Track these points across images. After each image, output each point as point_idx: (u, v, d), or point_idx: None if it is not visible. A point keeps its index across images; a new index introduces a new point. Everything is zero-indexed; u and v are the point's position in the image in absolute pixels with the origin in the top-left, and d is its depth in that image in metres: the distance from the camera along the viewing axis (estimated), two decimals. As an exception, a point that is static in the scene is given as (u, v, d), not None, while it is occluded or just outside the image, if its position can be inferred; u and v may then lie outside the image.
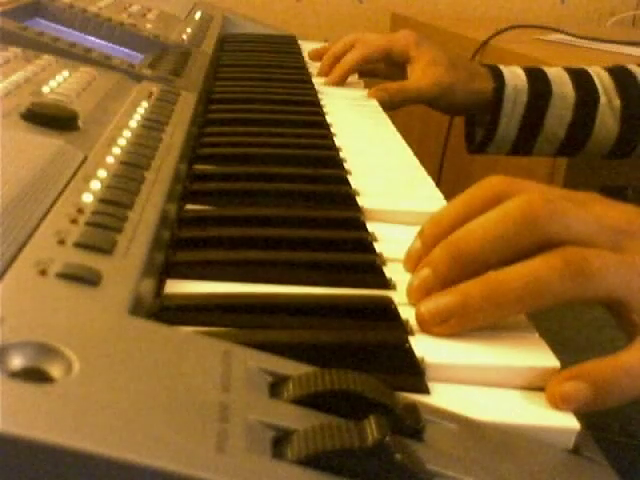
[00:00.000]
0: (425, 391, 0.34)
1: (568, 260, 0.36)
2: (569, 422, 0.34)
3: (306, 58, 1.05)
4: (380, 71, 1.03)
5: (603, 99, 0.94)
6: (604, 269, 0.37)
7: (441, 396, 0.34)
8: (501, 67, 0.96)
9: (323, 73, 0.98)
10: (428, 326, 0.38)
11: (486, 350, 0.37)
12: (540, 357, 0.37)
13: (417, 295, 0.40)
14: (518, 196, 0.39)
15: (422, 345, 0.36)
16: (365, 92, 0.91)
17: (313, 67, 1.00)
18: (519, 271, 0.37)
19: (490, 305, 0.37)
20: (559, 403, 0.34)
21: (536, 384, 0.35)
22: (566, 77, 0.96)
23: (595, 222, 0.39)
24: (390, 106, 0.90)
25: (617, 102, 0.94)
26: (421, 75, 0.93)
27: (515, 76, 0.95)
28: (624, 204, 0.41)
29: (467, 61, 0.99)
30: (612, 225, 0.39)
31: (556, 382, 0.35)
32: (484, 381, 0.35)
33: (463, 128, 1.04)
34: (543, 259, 0.37)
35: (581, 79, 0.96)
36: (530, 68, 0.97)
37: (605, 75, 0.96)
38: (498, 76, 0.95)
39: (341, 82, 0.95)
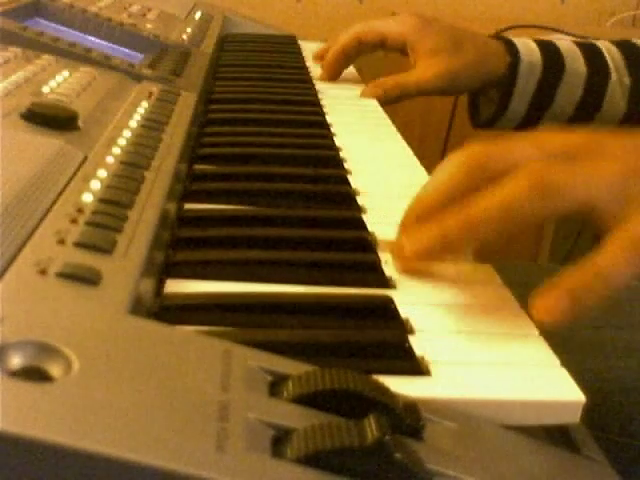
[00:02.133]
0: (426, 372, 0.34)
1: (534, 178, 0.38)
2: (574, 395, 0.34)
3: (307, 59, 1.05)
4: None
5: (614, 76, 0.90)
6: (570, 181, 0.38)
7: (442, 376, 0.34)
8: (515, 40, 0.91)
9: (315, 60, 0.96)
10: (412, 255, 0.40)
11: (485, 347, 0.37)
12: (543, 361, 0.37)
13: (399, 260, 0.43)
14: (462, 150, 0.42)
15: (422, 344, 0.36)
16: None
17: (313, 67, 1.00)
18: (489, 197, 0.39)
19: (466, 232, 0.39)
20: (544, 316, 0.36)
21: None
22: (578, 52, 0.91)
23: (542, 147, 0.41)
24: (386, 102, 0.87)
25: (627, 80, 0.91)
26: (421, 67, 0.88)
27: (529, 51, 0.90)
28: (578, 131, 0.44)
29: (476, 38, 0.91)
30: (560, 146, 0.41)
31: (538, 297, 0.37)
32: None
33: (464, 128, 1.03)
34: (510, 181, 0.39)
35: (592, 54, 0.91)
36: (542, 41, 0.92)
37: (615, 51, 0.92)
38: (513, 51, 0.89)
39: (333, 69, 0.92)
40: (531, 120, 0.93)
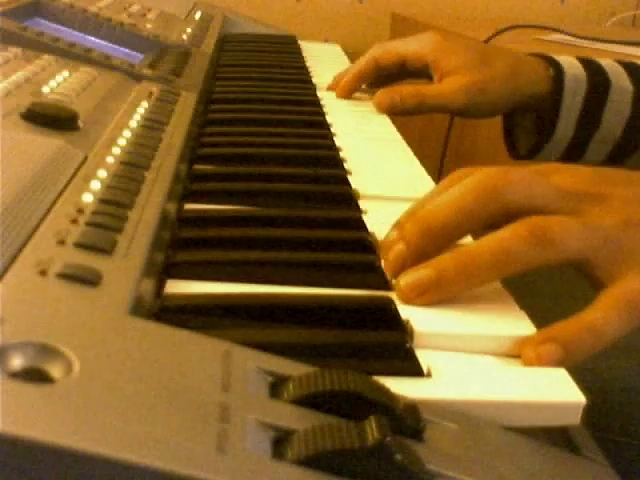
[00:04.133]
0: (426, 373, 0.34)
1: (532, 228, 0.40)
2: (575, 397, 0.34)
3: (307, 59, 1.05)
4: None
5: None
6: (566, 234, 0.40)
7: (442, 377, 0.34)
8: (555, 56, 0.83)
9: (332, 87, 0.88)
10: (408, 299, 0.41)
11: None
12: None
13: (393, 268, 0.43)
14: (479, 172, 0.43)
15: (422, 345, 0.36)
16: (365, 92, 0.91)
17: (314, 67, 1.00)
18: (488, 242, 0.40)
19: (463, 276, 0.40)
20: (535, 362, 0.37)
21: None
22: (619, 68, 0.83)
23: (554, 189, 0.42)
24: (402, 112, 0.80)
25: None
26: (445, 82, 0.80)
27: (572, 64, 0.82)
28: (583, 168, 0.44)
29: (507, 54, 0.83)
30: (570, 190, 0.42)
31: (530, 346, 0.37)
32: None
33: (464, 128, 1.02)
34: (509, 229, 0.40)
35: (635, 71, 0.83)
36: (581, 57, 0.84)
37: None
38: (554, 64, 0.81)
39: (349, 93, 0.85)
40: (576, 148, 0.84)
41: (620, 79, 0.82)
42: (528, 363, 0.37)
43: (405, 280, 0.41)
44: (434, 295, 0.40)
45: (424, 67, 0.82)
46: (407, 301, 0.40)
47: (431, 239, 0.42)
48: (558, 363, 0.37)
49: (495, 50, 0.83)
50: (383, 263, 0.43)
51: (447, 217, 0.42)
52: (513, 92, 0.80)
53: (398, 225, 0.45)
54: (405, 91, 0.80)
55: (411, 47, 0.82)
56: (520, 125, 0.87)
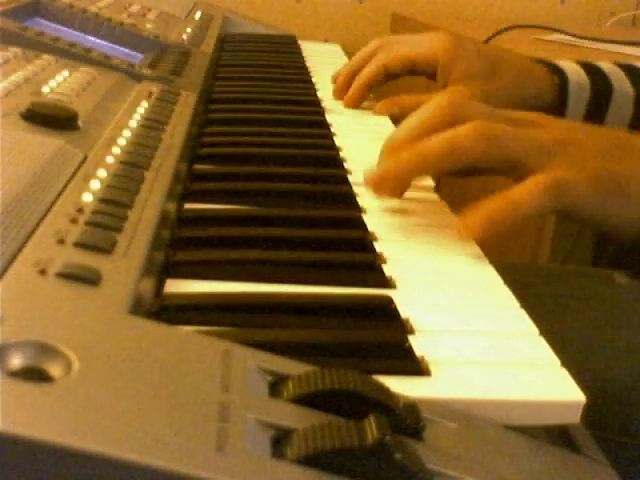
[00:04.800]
0: (426, 372, 0.34)
1: (476, 127, 0.48)
2: (575, 395, 0.34)
3: (307, 59, 1.05)
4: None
5: None
6: (506, 136, 0.48)
7: (442, 376, 0.34)
8: (556, 62, 0.83)
9: (337, 94, 0.85)
10: (374, 188, 0.50)
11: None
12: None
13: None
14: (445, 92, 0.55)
15: (422, 344, 0.36)
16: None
17: (314, 67, 1.00)
18: (441, 137, 0.48)
19: (416, 162, 0.48)
20: (464, 233, 0.46)
21: None
22: (620, 71, 0.84)
23: (495, 110, 0.51)
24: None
25: None
26: (448, 92, 0.78)
27: (575, 71, 0.82)
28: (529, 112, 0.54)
29: (515, 60, 0.82)
30: (514, 117, 0.51)
31: (460, 218, 0.46)
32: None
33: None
34: (459, 128, 0.48)
35: (635, 74, 0.84)
36: (583, 61, 0.84)
37: None
38: (559, 72, 0.81)
39: (357, 102, 0.82)
40: None
41: (621, 83, 0.82)
42: (459, 233, 0.46)
43: (370, 173, 0.50)
44: (395, 180, 0.49)
45: (434, 70, 0.80)
46: (375, 191, 0.49)
47: (397, 150, 0.50)
48: (484, 232, 0.45)
49: (503, 57, 0.81)
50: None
51: (407, 131, 0.51)
52: (518, 104, 0.77)
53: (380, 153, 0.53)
54: (405, 103, 0.78)
55: (421, 50, 0.80)
56: None
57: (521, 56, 0.85)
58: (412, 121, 0.52)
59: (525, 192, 0.46)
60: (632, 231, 0.50)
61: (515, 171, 0.49)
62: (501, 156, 0.48)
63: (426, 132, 0.50)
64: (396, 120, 0.77)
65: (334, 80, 0.88)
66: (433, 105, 0.51)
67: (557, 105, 0.80)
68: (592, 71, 0.83)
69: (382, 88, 0.85)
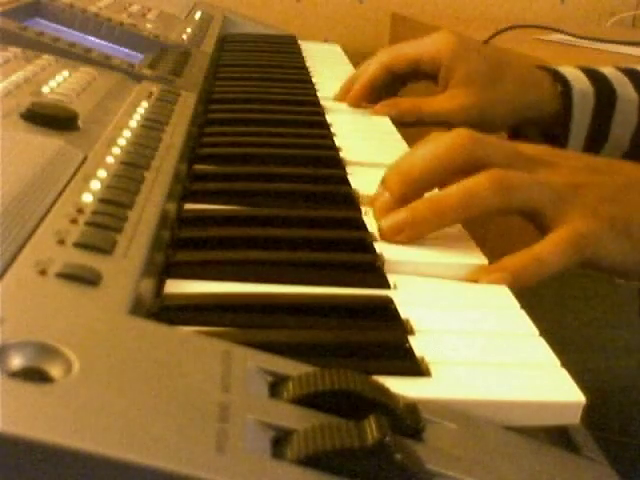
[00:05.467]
0: (426, 373, 0.34)
1: (493, 178, 0.47)
2: (575, 396, 0.34)
3: (307, 59, 1.05)
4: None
5: None
6: (521, 185, 0.47)
7: (442, 376, 0.34)
8: (559, 69, 0.81)
9: (339, 97, 0.84)
10: (387, 237, 0.48)
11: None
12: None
13: (379, 214, 0.50)
14: (454, 131, 0.50)
15: (422, 344, 0.36)
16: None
17: (314, 67, 1.00)
18: (456, 188, 0.47)
19: (434, 216, 0.47)
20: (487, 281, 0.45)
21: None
22: (623, 76, 0.82)
23: (515, 151, 0.50)
24: (401, 124, 0.77)
25: None
26: (447, 98, 0.77)
27: (578, 78, 0.80)
28: (543, 145, 0.54)
29: (518, 66, 0.80)
30: (528, 155, 0.50)
31: (484, 274, 0.45)
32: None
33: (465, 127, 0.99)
34: (474, 178, 0.47)
35: (637, 78, 0.82)
36: (585, 68, 0.82)
37: None
38: (562, 80, 0.79)
39: (359, 100, 0.81)
40: None
41: (625, 89, 0.81)
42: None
43: (385, 221, 0.48)
44: (410, 233, 0.47)
45: (438, 70, 0.78)
46: (388, 239, 0.48)
47: (410, 186, 0.49)
48: (506, 285, 0.44)
49: (506, 61, 0.79)
50: (372, 214, 0.51)
51: (423, 166, 0.49)
52: (519, 111, 0.78)
53: (383, 179, 0.51)
54: (403, 105, 0.78)
55: (425, 50, 0.78)
56: (527, 136, 0.85)
57: (523, 61, 0.84)
58: (429, 156, 0.50)
59: (549, 251, 0.46)
60: (632, 274, 0.50)
61: (532, 217, 0.49)
62: (518, 208, 0.48)
63: (445, 173, 0.49)
64: (394, 122, 0.76)
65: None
66: (453, 141, 0.49)
67: (561, 114, 0.79)
68: (595, 78, 0.81)
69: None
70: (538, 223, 0.48)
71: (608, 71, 0.82)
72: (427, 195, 0.49)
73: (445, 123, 0.77)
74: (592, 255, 0.47)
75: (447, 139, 0.50)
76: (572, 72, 0.81)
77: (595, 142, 0.80)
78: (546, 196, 0.47)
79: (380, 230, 0.48)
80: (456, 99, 0.77)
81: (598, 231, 0.47)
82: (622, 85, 0.81)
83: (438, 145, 0.50)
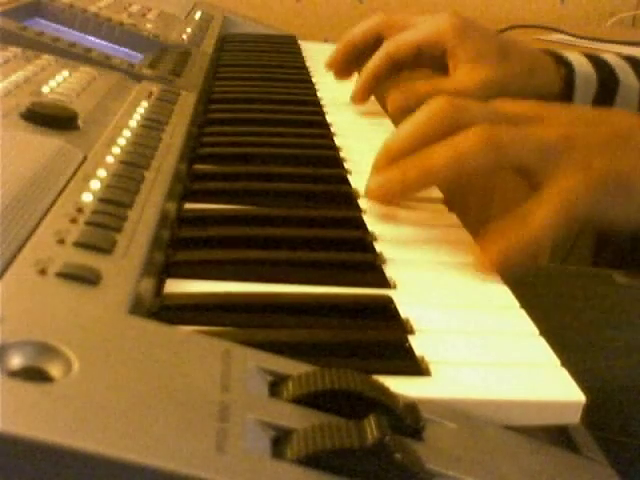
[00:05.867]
0: (425, 372, 0.34)
1: (481, 134, 0.46)
2: (574, 396, 0.34)
3: (307, 59, 1.04)
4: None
5: None
6: (511, 142, 0.46)
7: (442, 376, 0.34)
8: (562, 53, 0.80)
9: (330, 64, 0.83)
10: (376, 196, 0.48)
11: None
12: None
13: (369, 190, 0.50)
14: (439, 98, 0.50)
15: (422, 344, 0.36)
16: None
17: (313, 67, 1.00)
18: (444, 145, 0.46)
19: (424, 174, 0.47)
20: (484, 268, 0.44)
21: None
22: (625, 64, 0.82)
23: (498, 109, 0.50)
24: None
25: None
26: (463, 74, 0.74)
27: (581, 63, 0.80)
28: (528, 100, 0.53)
29: (523, 47, 0.79)
30: (514, 112, 0.50)
31: (479, 249, 0.45)
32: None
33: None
34: (462, 135, 0.46)
35: (638, 66, 0.82)
36: (589, 53, 0.83)
37: None
38: (565, 63, 0.79)
39: (365, 97, 0.79)
40: None
41: (627, 76, 0.81)
42: (481, 270, 0.44)
43: (374, 180, 0.48)
44: (400, 191, 0.47)
45: (441, 53, 0.75)
46: (375, 198, 0.48)
47: (396, 159, 0.49)
48: (503, 267, 0.44)
49: (511, 43, 0.78)
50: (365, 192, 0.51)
51: (406, 136, 0.49)
52: (529, 90, 0.75)
53: (375, 159, 0.51)
54: (421, 89, 0.72)
55: (427, 32, 0.75)
56: None
57: (526, 44, 0.82)
58: (411, 126, 0.50)
59: (541, 217, 0.45)
60: (631, 226, 0.50)
61: (522, 172, 0.48)
62: (507, 163, 0.47)
63: (429, 138, 0.48)
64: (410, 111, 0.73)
65: (328, 65, 0.85)
66: (432, 108, 0.49)
67: (564, 97, 0.78)
68: (598, 63, 0.81)
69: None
70: (529, 178, 0.48)
71: (611, 58, 0.82)
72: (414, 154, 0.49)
73: None
74: (584, 212, 0.46)
75: (427, 108, 0.49)
76: (575, 57, 0.80)
77: None
78: (535, 150, 0.47)
79: (368, 190, 0.48)
80: (474, 74, 0.73)
81: (590, 187, 0.46)
82: (624, 72, 0.81)
83: (419, 115, 0.50)
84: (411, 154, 0.48)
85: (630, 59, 0.84)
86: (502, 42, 0.76)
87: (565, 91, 0.78)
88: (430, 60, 0.78)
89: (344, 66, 0.82)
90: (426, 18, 0.78)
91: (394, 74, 0.82)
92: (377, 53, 0.78)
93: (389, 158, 0.49)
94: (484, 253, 0.45)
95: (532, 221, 0.45)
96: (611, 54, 0.84)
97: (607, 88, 0.80)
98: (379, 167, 0.50)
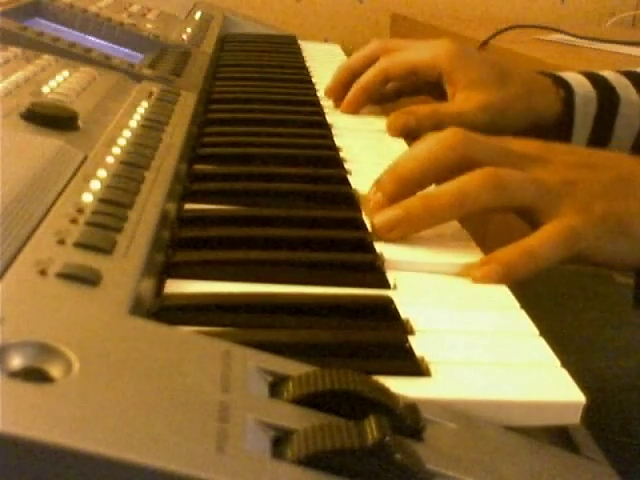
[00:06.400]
0: (426, 373, 0.34)
1: (486, 176, 0.47)
2: (575, 396, 0.34)
3: (307, 59, 1.05)
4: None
5: None
6: (514, 183, 0.48)
7: (442, 376, 0.34)
8: (561, 74, 0.80)
9: (329, 93, 0.82)
10: (380, 234, 0.48)
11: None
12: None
13: (371, 213, 0.50)
14: (446, 130, 0.50)
15: (422, 344, 0.36)
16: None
17: (313, 67, 1.00)
18: (449, 186, 0.48)
19: (428, 214, 0.48)
20: (479, 280, 0.45)
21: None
22: (624, 80, 0.81)
23: (506, 149, 0.51)
24: (418, 134, 0.69)
25: None
26: (463, 99, 0.74)
27: (580, 83, 0.79)
28: (533, 140, 0.54)
29: (521, 72, 0.79)
30: (519, 152, 0.51)
31: (476, 267, 0.45)
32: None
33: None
34: (467, 176, 0.47)
35: (639, 81, 0.81)
36: (588, 72, 0.81)
37: None
38: (564, 84, 0.78)
39: (355, 107, 0.79)
40: None
41: (627, 92, 0.80)
42: (475, 281, 0.44)
43: (378, 218, 0.48)
44: (403, 230, 0.48)
45: (437, 78, 0.76)
46: (380, 236, 0.47)
47: (402, 185, 0.50)
48: (499, 280, 0.44)
49: (509, 67, 0.78)
50: (364, 213, 0.51)
51: (415, 166, 0.50)
52: (529, 113, 0.76)
53: (377, 180, 0.51)
54: (420, 112, 0.73)
55: (423, 56, 0.76)
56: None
57: (522, 67, 0.83)
58: (422, 153, 0.50)
59: (540, 244, 0.46)
60: (631, 267, 0.51)
61: (524, 215, 0.49)
62: (511, 205, 0.48)
63: (439, 172, 0.49)
64: (412, 136, 0.72)
65: (327, 94, 0.84)
66: (446, 140, 0.50)
67: (564, 118, 0.78)
68: (597, 82, 0.80)
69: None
70: (531, 220, 0.49)
71: (610, 75, 0.81)
72: (420, 193, 0.50)
73: (465, 126, 0.75)
74: (584, 249, 0.47)
75: (439, 138, 0.50)
76: (574, 77, 0.80)
77: (597, 146, 0.79)
78: (538, 193, 0.48)
79: (373, 227, 0.48)
80: (473, 100, 0.74)
81: (589, 225, 0.47)
82: (624, 88, 0.80)
83: (430, 144, 0.50)
84: (417, 186, 0.50)
85: (630, 74, 0.82)
86: (500, 67, 0.76)
87: (565, 112, 0.77)
88: (427, 86, 0.79)
89: (343, 93, 0.81)
90: (424, 43, 0.78)
91: (393, 100, 0.83)
92: (371, 68, 0.78)
93: (396, 183, 0.50)
94: (482, 270, 0.45)
95: (530, 246, 0.46)
96: (610, 71, 0.83)
97: (608, 106, 0.79)
98: (386, 191, 0.50)
